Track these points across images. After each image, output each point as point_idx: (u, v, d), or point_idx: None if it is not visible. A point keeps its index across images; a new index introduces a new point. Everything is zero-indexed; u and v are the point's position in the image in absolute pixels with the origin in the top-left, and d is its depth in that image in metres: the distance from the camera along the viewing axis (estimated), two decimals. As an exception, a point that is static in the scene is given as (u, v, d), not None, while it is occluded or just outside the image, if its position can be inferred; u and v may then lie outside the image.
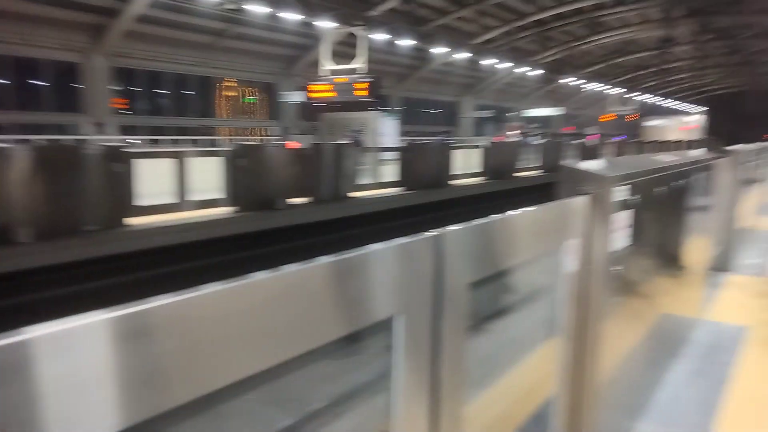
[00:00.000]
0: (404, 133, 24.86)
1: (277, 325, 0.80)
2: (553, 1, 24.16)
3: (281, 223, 8.82)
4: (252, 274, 0.78)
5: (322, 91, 17.68)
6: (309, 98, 18.29)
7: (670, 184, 2.90)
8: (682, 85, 46.07)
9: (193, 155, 9.34)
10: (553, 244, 1.74)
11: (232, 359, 0.75)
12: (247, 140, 23.50)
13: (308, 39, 21.46)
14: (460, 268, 1.21)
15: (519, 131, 29.21)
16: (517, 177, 15.40)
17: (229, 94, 25.55)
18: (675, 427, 2.65)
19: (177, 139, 19.81)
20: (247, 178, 8.53)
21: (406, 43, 21.03)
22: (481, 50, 25.53)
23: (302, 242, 8.92)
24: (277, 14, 17.02)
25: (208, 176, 9.07)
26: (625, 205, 2.06)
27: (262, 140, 23.98)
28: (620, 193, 1.99)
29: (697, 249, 3.99)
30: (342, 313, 0.92)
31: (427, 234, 1.11)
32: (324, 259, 0.89)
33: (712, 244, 5.25)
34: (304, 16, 17.28)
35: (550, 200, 1.94)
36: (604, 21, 27.95)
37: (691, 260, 3.83)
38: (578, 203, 1.82)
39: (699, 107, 48.19)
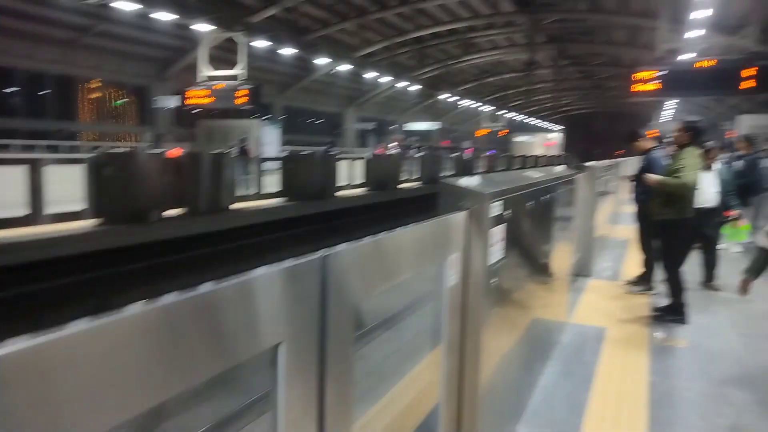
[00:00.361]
0: (286, 143, 24.54)
1: (148, 366, 0.72)
2: (430, 21, 25.28)
3: (152, 237, 8.24)
4: (118, 310, 0.69)
5: (200, 96, 16.92)
6: (185, 104, 17.41)
7: (538, 198, 3.12)
8: (545, 105, 50.37)
9: (49, 162, 8.43)
10: (436, 259, 1.78)
11: (96, 409, 0.65)
12: (116, 146, 21.80)
13: (185, 42, 20.45)
14: (346, 288, 1.18)
15: (399, 144, 30.10)
16: (399, 188, 15.81)
17: (95, 96, 23.57)
18: (549, 427, 2.83)
19: (31, 145, 17.84)
20: (114, 188, 7.86)
21: (288, 51, 20.82)
22: (363, 63, 26.00)
23: (176, 257, 8.40)
24: (149, 14, 15.98)
25: (70, 186, 8.24)
26: (500, 220, 2.17)
27: (133, 147, 22.37)
28: (496, 208, 2.09)
29: (562, 257, 4.33)
30: (222, 347, 0.85)
31: (312, 256, 1.07)
32: (202, 288, 0.81)
33: (574, 251, 5.75)
34: (178, 17, 16.41)
35: (430, 211, 1.98)
36: (477, 42, 29.79)
37: (558, 267, 4.15)
38: (458, 219, 1.89)
39: (558, 125, 53.00)
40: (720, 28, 16.14)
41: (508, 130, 40.98)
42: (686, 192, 4.69)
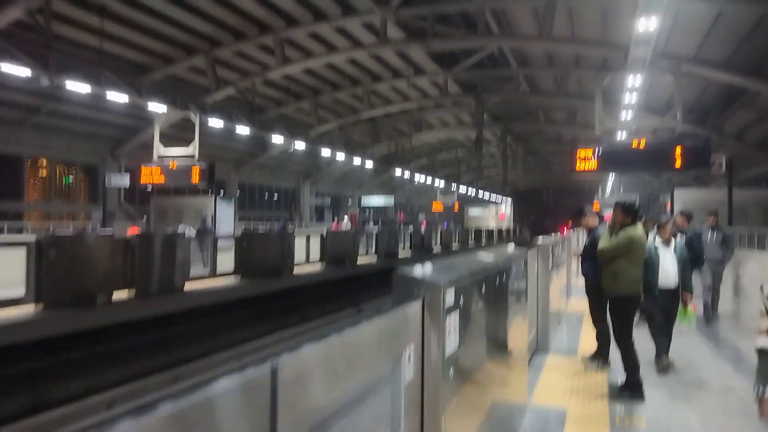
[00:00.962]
0: (242, 219, 24.33)
1: None
2: (382, 101, 26.34)
3: (98, 322, 7.82)
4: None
5: (152, 174, 16.75)
6: (138, 182, 17.17)
7: (493, 280, 3.16)
8: (495, 179, 52.30)
9: (-12, 246, 8.02)
10: (391, 354, 1.75)
11: None
12: (65, 226, 21.03)
13: (138, 120, 20.47)
14: (298, 401, 1.13)
15: (354, 218, 30.36)
16: (356, 263, 15.75)
17: (43, 174, 22.97)
18: None
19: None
20: (59, 270, 7.50)
21: (244, 130, 21.11)
22: (319, 141, 26.57)
23: (123, 343, 7.96)
24: (102, 95, 15.96)
25: (11, 270, 7.82)
26: (456, 307, 2.17)
27: (84, 226, 21.63)
28: (451, 295, 2.09)
29: (519, 335, 4.34)
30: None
31: (260, 369, 1.03)
32: (123, 423, 0.74)
33: (531, 328, 5.78)
34: (133, 98, 16.48)
35: (388, 287, 1.96)
36: (427, 121, 31.11)
37: (516, 346, 4.14)
38: (413, 310, 1.87)
39: (509, 198, 54.81)
40: (650, 110, 17.45)
41: (460, 205, 42.05)
42: (624, 264, 4.86)
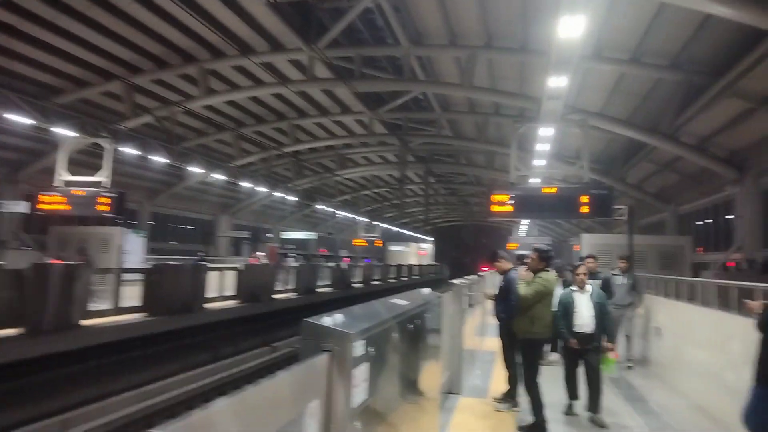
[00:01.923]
0: (154, 251, 23.11)
1: None
2: (307, 136, 26.37)
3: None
4: None
5: (55, 202, 15.61)
6: (38, 209, 15.94)
7: (405, 326, 3.15)
8: (417, 217, 53.36)
9: None
10: (295, 410, 1.67)
11: None
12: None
13: (41, 144, 19.15)
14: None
15: (272, 253, 29.72)
16: (274, 299, 15.33)
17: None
18: None
19: None
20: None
21: (160, 159, 20.31)
22: (240, 173, 26.03)
23: (6, 386, 7.21)
24: (1, 114, 14.82)
25: None
26: (365, 358, 2.13)
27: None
28: (360, 346, 2.05)
29: (431, 378, 4.34)
30: None
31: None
32: None
33: (444, 370, 5.81)
34: (36, 122, 15.44)
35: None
36: (352, 158, 31.43)
37: (428, 389, 4.13)
38: (319, 363, 1.81)
39: (430, 236, 55.98)
40: (560, 158, 18.58)
41: (382, 241, 42.38)
42: (542, 310, 5.07)
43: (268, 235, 39.51)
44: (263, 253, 26.10)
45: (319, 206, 35.19)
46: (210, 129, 23.39)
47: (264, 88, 19.22)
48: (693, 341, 6.56)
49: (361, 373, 2.06)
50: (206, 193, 30.70)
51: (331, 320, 2.01)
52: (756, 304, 3.74)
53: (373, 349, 2.21)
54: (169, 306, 10.85)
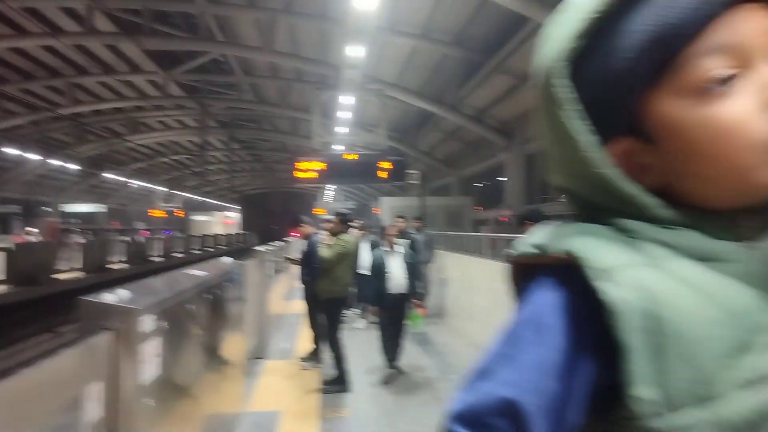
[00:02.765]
0: None
1: None
2: (90, 97, 23.38)
3: None
4: None
5: None
6: None
7: (203, 296, 3.12)
8: (222, 185, 51.28)
9: None
10: (69, 394, 1.59)
11: None
12: None
13: None
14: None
15: (52, 229, 26.21)
16: (56, 281, 13.61)
17: None
18: None
19: None
20: None
21: None
22: (4, 137, 22.16)
23: None
24: None
25: None
26: (156, 332, 2.08)
27: None
28: (149, 321, 2.00)
29: (235, 346, 4.36)
30: None
31: None
32: None
33: (249, 336, 5.85)
34: None
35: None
36: (145, 122, 28.77)
37: (232, 357, 4.15)
38: (100, 342, 1.74)
39: (236, 205, 54.46)
40: (360, 126, 19.42)
41: (185, 211, 40.03)
42: (342, 270, 5.39)
43: (45, 209, 34.56)
44: (36, 230, 22.84)
45: (108, 175, 31.75)
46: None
47: (30, 38, 16.47)
48: (471, 288, 7.56)
49: (152, 348, 2.02)
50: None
51: (113, 297, 1.92)
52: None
53: (165, 323, 2.17)
54: None
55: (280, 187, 56.85)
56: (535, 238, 0.54)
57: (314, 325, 5.99)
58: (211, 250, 28.43)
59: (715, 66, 0.48)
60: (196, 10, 15.46)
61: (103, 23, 15.81)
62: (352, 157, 12.49)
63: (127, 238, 21.63)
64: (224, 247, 31.43)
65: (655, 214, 0.51)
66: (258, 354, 6.21)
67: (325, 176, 12.27)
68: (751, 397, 0.44)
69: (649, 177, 0.52)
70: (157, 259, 20.64)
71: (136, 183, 35.29)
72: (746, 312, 0.46)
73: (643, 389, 0.45)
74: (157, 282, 2.68)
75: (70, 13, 15.51)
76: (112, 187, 39.31)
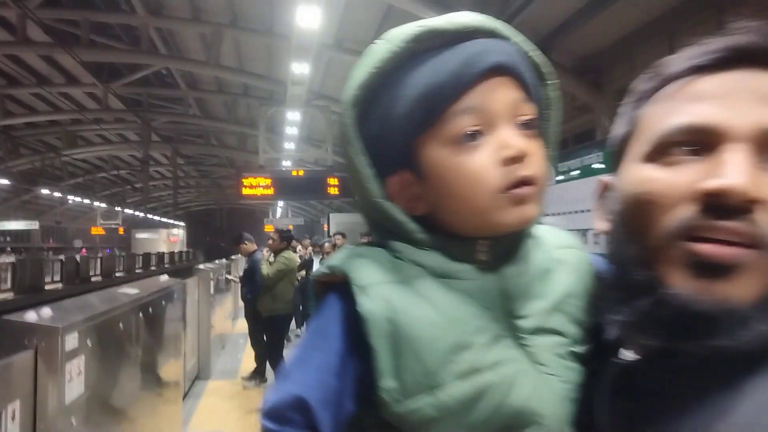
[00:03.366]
0: None
1: None
2: (23, 109, 22.38)
3: None
4: None
5: None
6: None
7: (138, 315, 3.04)
8: (166, 201, 49.82)
9: None
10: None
11: None
12: None
13: None
14: None
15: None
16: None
17: None
18: None
19: None
20: None
21: None
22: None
23: None
24: None
25: None
26: (82, 351, 2.03)
27: None
28: (73, 340, 1.95)
29: (174, 366, 4.26)
30: None
31: None
32: None
33: (191, 356, 5.71)
34: None
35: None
36: (84, 135, 27.70)
37: (170, 378, 4.05)
38: (20, 361, 1.69)
39: (181, 221, 52.97)
40: (308, 142, 19.39)
41: (125, 228, 38.62)
42: (283, 286, 5.36)
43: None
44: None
45: (43, 191, 30.33)
46: None
47: (-46, 47, 15.67)
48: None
49: (77, 367, 1.97)
50: None
51: (35, 316, 1.87)
52: None
53: (96, 341, 2.12)
54: None
55: (228, 204, 55.82)
56: (331, 259, 0.64)
57: (256, 343, 5.90)
58: (154, 269, 27.46)
59: (466, 124, 0.57)
60: (137, 22, 15.13)
61: (36, 33, 15.22)
62: (300, 173, 12.45)
63: (62, 258, 20.63)
64: (168, 266, 30.41)
65: (416, 238, 0.61)
66: (200, 374, 6.06)
67: (274, 192, 12.18)
68: (465, 385, 0.55)
69: (421, 205, 0.62)
70: (95, 279, 19.77)
71: (73, 199, 33.83)
72: (467, 319, 0.57)
73: (386, 381, 0.55)
74: (87, 300, 2.61)
75: (1, 21, 14.88)
76: (47, 204, 37.53)
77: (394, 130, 0.60)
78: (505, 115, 0.58)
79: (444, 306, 0.57)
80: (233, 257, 13.74)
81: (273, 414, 0.60)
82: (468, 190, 0.58)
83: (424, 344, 0.55)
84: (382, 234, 0.64)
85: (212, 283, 6.94)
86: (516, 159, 0.57)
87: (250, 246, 5.95)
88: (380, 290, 0.57)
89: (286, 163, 15.65)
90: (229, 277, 6.66)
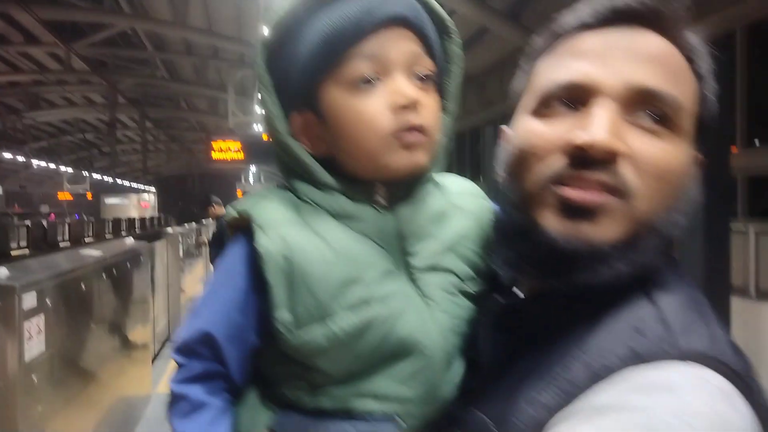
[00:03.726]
0: None
1: None
2: (-18, 70, 21.49)
3: None
4: None
5: None
6: None
7: (101, 276, 3.05)
8: (136, 166, 48.76)
9: None
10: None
11: None
12: None
13: None
14: None
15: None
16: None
17: None
18: None
19: None
20: None
21: None
22: None
23: None
24: None
25: None
26: (40, 310, 2.05)
27: None
28: (31, 299, 1.97)
29: (143, 329, 4.29)
30: None
31: None
32: None
33: (160, 319, 5.74)
34: None
35: None
36: (47, 98, 26.75)
37: (139, 340, 4.09)
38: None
39: (152, 186, 52.00)
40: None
41: (94, 193, 37.79)
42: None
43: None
44: None
45: (5, 154, 29.38)
46: None
47: None
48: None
49: (35, 325, 2.00)
50: None
51: (-8, 274, 1.89)
52: None
53: (50, 301, 2.14)
54: None
55: (200, 169, 54.88)
56: (238, 203, 0.67)
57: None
58: (124, 234, 27.08)
59: (363, 69, 0.60)
60: (99, -21, 14.53)
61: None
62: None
63: (28, 223, 20.18)
64: (139, 232, 29.99)
65: (319, 179, 0.64)
66: (171, 337, 6.10)
67: (243, 157, 12.04)
68: (353, 316, 0.59)
69: (322, 147, 0.65)
70: (64, 245, 19.45)
71: (38, 163, 32.87)
72: (359, 256, 0.61)
73: (281, 313, 0.59)
74: (47, 261, 2.61)
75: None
76: (10, 168, 36.42)
77: (299, 72, 0.63)
78: (401, 64, 0.61)
79: (338, 244, 0.61)
80: (204, 222, 13.65)
81: (183, 349, 0.64)
82: (360, 132, 0.61)
83: (316, 279, 0.59)
84: (289, 176, 0.67)
85: (182, 247, 6.93)
86: (407, 107, 0.60)
87: (219, 209, 5.91)
88: (279, 229, 0.61)
89: (258, 127, 15.41)
90: (200, 239, 6.63)
